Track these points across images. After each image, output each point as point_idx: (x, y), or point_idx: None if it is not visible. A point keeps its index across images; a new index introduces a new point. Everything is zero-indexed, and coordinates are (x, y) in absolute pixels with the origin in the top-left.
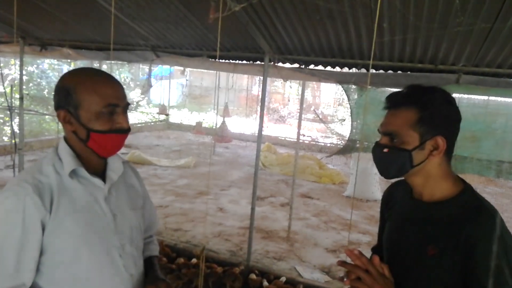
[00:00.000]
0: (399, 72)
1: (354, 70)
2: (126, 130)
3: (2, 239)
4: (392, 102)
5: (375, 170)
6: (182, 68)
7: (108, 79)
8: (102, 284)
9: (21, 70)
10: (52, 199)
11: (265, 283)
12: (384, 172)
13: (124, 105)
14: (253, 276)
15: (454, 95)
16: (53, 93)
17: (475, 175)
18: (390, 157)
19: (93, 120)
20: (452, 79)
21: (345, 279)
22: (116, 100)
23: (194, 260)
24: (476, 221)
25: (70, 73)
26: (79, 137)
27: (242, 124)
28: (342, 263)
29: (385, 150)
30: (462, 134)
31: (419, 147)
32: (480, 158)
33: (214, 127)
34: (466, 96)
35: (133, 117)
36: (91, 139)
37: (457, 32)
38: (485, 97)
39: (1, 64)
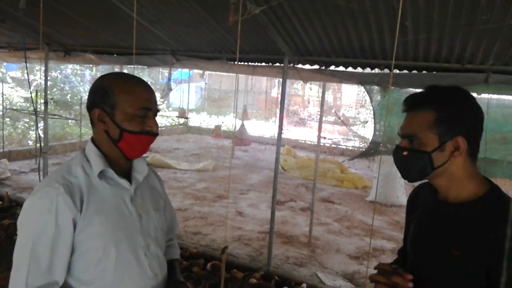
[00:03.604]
0: (424, 72)
1: (376, 70)
2: (155, 134)
3: (36, 238)
4: (410, 104)
5: (400, 173)
6: (201, 72)
7: (144, 84)
8: (128, 283)
9: (46, 76)
10: (82, 199)
11: None
12: (406, 175)
13: (155, 110)
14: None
15: (483, 95)
16: (75, 97)
17: (506, 179)
18: (410, 159)
19: (127, 121)
20: (481, 79)
21: None
22: (150, 104)
23: (201, 261)
24: (502, 221)
25: (109, 75)
26: (111, 136)
27: (261, 127)
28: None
29: (405, 153)
30: (491, 136)
31: (438, 148)
32: (511, 161)
33: (233, 130)
34: (495, 96)
35: None
36: (123, 139)
37: (485, 29)
38: None
39: (27, 70)
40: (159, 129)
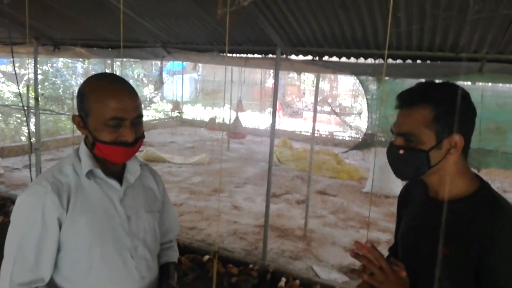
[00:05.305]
0: (418, 61)
1: (370, 60)
2: (130, 144)
3: (23, 235)
4: (404, 100)
5: (393, 172)
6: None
7: (121, 90)
8: (113, 284)
9: (35, 71)
10: (69, 198)
11: (282, 283)
12: (401, 173)
13: (132, 118)
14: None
15: (477, 84)
16: (68, 91)
17: (500, 169)
18: (407, 158)
19: (98, 130)
20: (475, 68)
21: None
22: (123, 114)
23: (206, 257)
24: (491, 219)
25: (88, 80)
26: (89, 142)
27: (256, 119)
28: (356, 255)
29: (401, 151)
30: (485, 126)
31: (436, 146)
32: (506, 151)
33: (227, 123)
34: (489, 85)
35: (147, 114)
36: (96, 147)
37: (478, 18)
38: (511, 86)
39: (17, 65)
40: (154, 122)
